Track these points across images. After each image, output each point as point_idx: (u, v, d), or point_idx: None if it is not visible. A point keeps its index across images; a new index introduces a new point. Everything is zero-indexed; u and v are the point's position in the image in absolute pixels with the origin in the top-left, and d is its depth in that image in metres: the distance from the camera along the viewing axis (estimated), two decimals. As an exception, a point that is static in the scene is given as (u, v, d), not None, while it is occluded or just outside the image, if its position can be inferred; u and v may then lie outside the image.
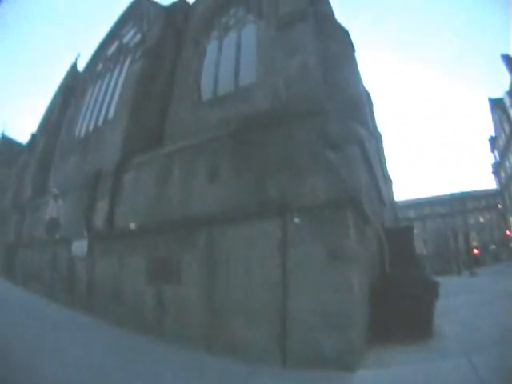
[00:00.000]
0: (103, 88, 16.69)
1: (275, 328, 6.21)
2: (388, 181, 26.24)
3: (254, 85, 10.79)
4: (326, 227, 6.30)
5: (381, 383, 5.14)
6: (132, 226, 9.48)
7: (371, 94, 23.63)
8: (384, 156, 26.55)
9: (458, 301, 12.08)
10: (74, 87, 19.79)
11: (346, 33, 12.61)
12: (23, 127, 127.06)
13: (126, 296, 8.61)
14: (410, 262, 9.73)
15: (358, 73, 13.23)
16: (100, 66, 18.41)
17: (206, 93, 12.21)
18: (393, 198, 29.63)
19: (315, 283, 6.12)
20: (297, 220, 6.66)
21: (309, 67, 9.38)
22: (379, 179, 12.11)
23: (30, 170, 18.58)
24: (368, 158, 9.38)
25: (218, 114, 10.85)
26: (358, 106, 10.32)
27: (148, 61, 13.54)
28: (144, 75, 13.17)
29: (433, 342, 6.97)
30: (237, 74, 11.66)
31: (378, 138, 23.08)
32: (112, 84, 16.09)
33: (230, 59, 12.28)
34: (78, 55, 22.32)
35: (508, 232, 64.44)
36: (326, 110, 7.85)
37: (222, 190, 8.40)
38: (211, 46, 13.39)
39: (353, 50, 13.05)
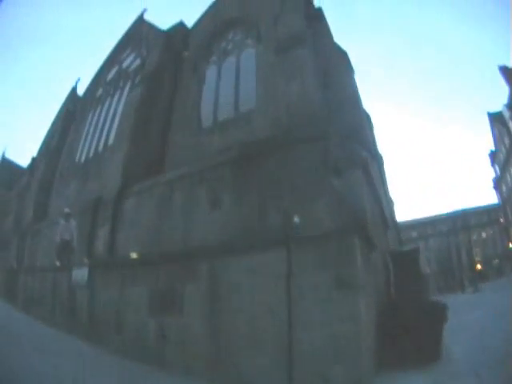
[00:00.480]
0: (103, 113, 16.67)
1: (281, 358, 6.01)
2: (390, 202, 26.09)
3: (254, 111, 10.73)
4: (331, 255, 6.14)
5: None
6: (133, 255, 9.31)
7: (371, 116, 23.55)
8: (385, 177, 26.47)
9: (463, 319, 11.85)
10: (74, 112, 19.70)
11: (344, 54, 12.63)
12: (23, 150, 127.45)
13: (128, 326, 8.41)
14: (416, 286, 9.52)
15: (358, 94, 13.19)
16: (100, 90, 18.41)
17: (206, 119, 12.15)
18: (395, 219, 29.50)
19: (321, 312, 5.95)
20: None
21: (309, 91, 9.33)
22: (382, 202, 11.97)
23: (30, 193, 18.52)
24: (372, 182, 9.25)
25: (219, 140, 10.80)
26: (359, 129, 10.28)
27: (147, 86, 13.49)
28: (143, 101, 13.10)
29: (442, 363, 6.85)
30: (236, 99, 11.62)
31: (379, 160, 23.01)
32: (112, 109, 16.07)
33: (230, 84, 12.27)
34: (78, 79, 22.38)
35: (511, 244, 64.19)
36: (328, 134, 7.75)
37: (223, 218, 8.30)
38: (210, 71, 13.39)
39: (352, 71, 13.04)
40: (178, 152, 11.87)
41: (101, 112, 16.95)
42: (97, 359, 7.84)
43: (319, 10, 13.11)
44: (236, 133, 10.48)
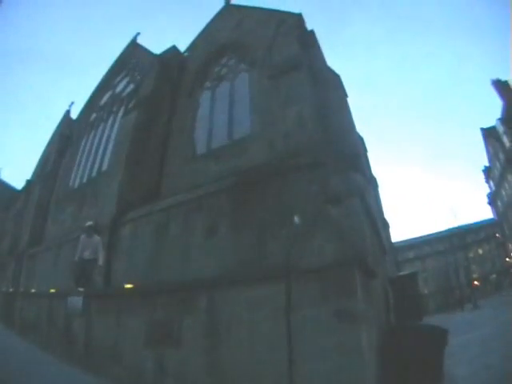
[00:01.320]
0: (97, 138, 16.52)
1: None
2: (385, 225, 26.07)
3: (249, 137, 10.62)
4: (331, 287, 6.07)
5: None
6: (128, 285, 9.15)
7: (364, 139, 23.59)
8: (380, 200, 26.49)
9: (464, 338, 11.67)
10: (68, 136, 19.57)
11: (337, 77, 12.59)
12: (17, 172, 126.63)
13: (125, 356, 8.24)
14: (416, 310, 9.43)
15: (352, 119, 13.15)
16: (93, 115, 18.26)
17: (201, 146, 12.03)
18: (391, 241, 29.43)
19: (322, 347, 5.85)
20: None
21: (305, 117, 9.27)
22: (379, 228, 11.89)
23: (27, 217, 18.31)
24: (369, 210, 9.17)
25: (214, 167, 10.68)
26: (355, 155, 10.19)
27: (142, 112, 13.36)
28: (138, 126, 12.97)
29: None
30: (230, 125, 11.53)
31: (373, 184, 23.01)
32: (106, 134, 15.91)
33: (224, 110, 12.20)
34: (72, 103, 22.32)
35: (508, 259, 64.14)
36: (325, 161, 7.67)
37: (221, 248, 8.15)
38: (204, 97, 13.32)
39: (345, 95, 13.00)
40: (173, 179, 11.73)
41: (94, 137, 16.81)
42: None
43: (311, 33, 13.09)
44: (231, 160, 10.37)
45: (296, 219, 6.61)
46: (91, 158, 16.03)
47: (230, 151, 10.89)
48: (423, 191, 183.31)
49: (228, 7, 16.77)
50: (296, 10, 13.20)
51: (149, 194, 11.49)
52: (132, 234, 10.66)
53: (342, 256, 6.36)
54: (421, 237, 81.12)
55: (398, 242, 61.69)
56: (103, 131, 16.33)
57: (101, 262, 10.19)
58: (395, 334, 7.51)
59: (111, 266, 10.70)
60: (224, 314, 6.92)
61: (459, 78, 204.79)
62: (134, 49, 18.84)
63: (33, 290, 13.48)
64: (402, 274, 14.25)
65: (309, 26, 13.22)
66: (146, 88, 14.32)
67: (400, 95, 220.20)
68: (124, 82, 17.54)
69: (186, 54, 16.12)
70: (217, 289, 7.25)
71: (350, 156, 8.90)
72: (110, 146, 14.69)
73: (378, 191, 24.89)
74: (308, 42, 12.31)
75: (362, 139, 22.04)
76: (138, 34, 19.76)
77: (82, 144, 17.55)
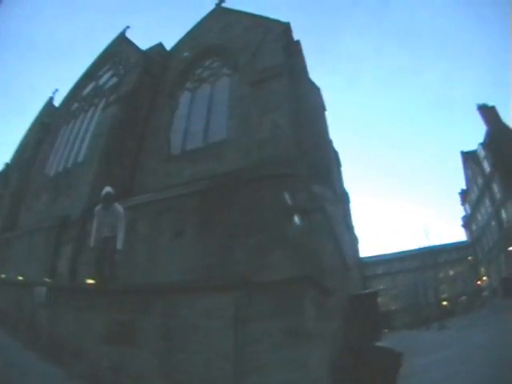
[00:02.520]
0: (76, 129, 16.21)
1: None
2: (354, 240, 26.08)
3: (225, 142, 10.53)
4: (283, 304, 6.00)
5: None
6: (89, 281, 8.93)
7: (338, 153, 23.47)
8: (351, 215, 26.46)
9: (427, 360, 11.33)
10: (49, 124, 19.11)
11: (317, 90, 12.52)
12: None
13: (86, 352, 8.03)
14: (374, 330, 9.30)
15: (327, 132, 13.11)
16: (75, 105, 17.88)
17: (176, 147, 11.89)
18: (359, 256, 29.43)
19: (273, 359, 5.79)
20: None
21: (280, 127, 9.17)
22: (345, 242, 11.84)
23: (2, 202, 17.76)
24: (332, 226, 9.10)
25: (188, 169, 10.57)
26: (326, 169, 10.12)
27: (121, 107, 13.11)
28: (116, 121, 12.73)
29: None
30: (207, 129, 11.46)
31: (344, 198, 22.97)
32: (85, 126, 15.61)
33: (202, 113, 12.09)
34: (56, 90, 21.80)
35: (479, 282, 64.71)
36: (295, 173, 7.57)
37: (186, 253, 8.06)
38: (184, 98, 13.18)
39: (324, 108, 12.94)
40: (147, 177, 11.55)
41: (74, 127, 16.49)
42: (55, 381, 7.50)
43: (297, 43, 13.00)
44: (205, 163, 10.27)
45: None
46: (68, 148, 15.72)
47: (204, 155, 10.79)
48: (398, 209, 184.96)
49: (218, 9, 16.62)
50: (286, 20, 13.13)
51: (122, 190, 11.21)
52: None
53: (296, 272, 6.29)
54: (392, 253, 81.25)
55: (368, 257, 61.68)
56: (82, 122, 16.05)
57: (120, 244, 8.17)
58: (349, 355, 7.40)
59: (78, 259, 10.44)
60: (180, 319, 6.80)
61: (445, 99, 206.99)
62: (121, 42, 18.52)
63: (3, 276, 13.11)
64: (361, 292, 14.07)
65: (298, 37, 13.16)
66: (128, 83, 14.06)
67: (386, 111, 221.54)
68: (108, 75, 17.27)
69: (171, 52, 15.88)
70: (175, 293, 7.12)
71: (321, 169, 8.85)
72: (88, 138, 14.40)
73: (348, 206, 24.86)
74: (293, 51, 12.25)
75: (336, 153, 21.95)
76: (128, 27, 19.42)
77: (61, 133, 17.19)
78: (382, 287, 70.69)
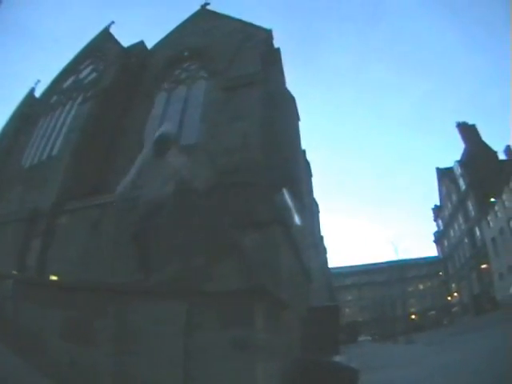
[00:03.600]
0: (53, 122, 15.78)
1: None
2: (322, 251, 25.90)
3: (195, 146, 10.25)
4: (231, 315, 5.82)
5: None
6: (53, 277, 8.69)
7: (310, 163, 23.26)
8: (319, 226, 26.26)
9: (391, 376, 10.75)
10: (29, 115, 18.58)
11: (292, 100, 12.33)
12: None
13: (47, 347, 7.76)
14: (333, 344, 9.00)
15: (300, 143, 12.94)
16: (54, 98, 17.40)
17: (148, 147, 11.48)
18: (327, 267, 29.23)
19: (219, 371, 5.62)
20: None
21: (250, 135, 9.01)
22: (310, 253, 11.70)
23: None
24: (292, 237, 8.91)
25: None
26: (295, 180, 9.95)
27: (98, 103, 12.85)
28: (91, 117, 12.48)
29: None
30: (179, 131, 11.10)
31: (313, 209, 22.82)
32: (62, 120, 15.21)
33: (176, 115, 11.76)
34: (38, 81, 21.20)
35: (449, 298, 65.07)
36: (259, 183, 7.38)
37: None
38: (160, 98, 12.87)
39: (297, 118, 12.75)
40: (117, 176, 11.17)
41: (51, 120, 16.06)
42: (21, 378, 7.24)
43: (277, 51, 12.79)
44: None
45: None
46: (44, 141, 15.30)
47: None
48: (369, 222, 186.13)
49: (203, 12, 16.25)
50: (271, 26, 12.89)
51: (92, 188, 10.96)
52: (69, 224, 10.17)
53: (246, 283, 6.12)
54: (361, 265, 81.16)
55: (337, 268, 61.55)
56: (60, 116, 15.62)
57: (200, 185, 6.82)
58: (303, 369, 7.16)
59: (46, 253, 10.14)
60: (131, 322, 6.57)
61: (424, 116, 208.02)
62: (104, 37, 18.06)
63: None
64: (321, 305, 13.76)
65: (282, 45, 12.98)
66: (106, 80, 13.79)
67: (363, 126, 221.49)
68: (88, 70, 16.84)
69: (152, 52, 15.54)
70: (127, 296, 6.89)
71: (288, 180, 8.69)
72: (63, 132, 14.01)
73: (317, 216, 24.74)
74: (271, 60, 12.04)
75: (308, 164, 21.77)
76: (112, 22, 18.93)
77: (39, 125, 16.72)
78: (349, 298, 71.18)
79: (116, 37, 17.79)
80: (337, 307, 13.37)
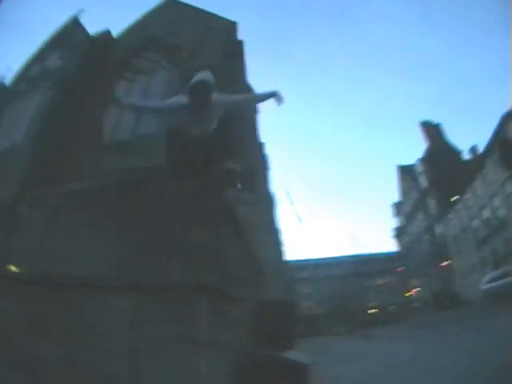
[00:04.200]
0: (18, 110, 15.20)
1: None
2: (279, 244, 25.74)
3: (153, 137, 10.01)
4: (177, 309, 5.72)
5: None
6: (9, 268, 8.44)
7: (268, 157, 22.88)
8: (276, 219, 26.03)
9: (346, 371, 10.54)
10: (-1, 101, 18.00)
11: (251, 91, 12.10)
12: None
13: (12, 340, 7.60)
14: (287, 338, 8.75)
15: (257, 136, 12.77)
16: (22, 85, 16.80)
17: (107, 137, 11.29)
18: (283, 260, 29.03)
19: (165, 365, 5.52)
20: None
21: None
22: (264, 246, 11.60)
23: None
24: (242, 231, 8.79)
25: (115, 160, 9.99)
26: (249, 173, 9.79)
27: (60, 91, 12.47)
28: (53, 105, 12.09)
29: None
30: (138, 121, 10.86)
31: (270, 202, 22.60)
32: (27, 108, 14.67)
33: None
34: (8, 68, 20.43)
35: (409, 293, 65.79)
36: (213, 177, 7.21)
37: (99, 248, 7.57)
38: (120, 87, 12.47)
39: (255, 111, 12.55)
40: (76, 166, 10.92)
41: (17, 108, 15.46)
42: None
43: (240, 44, 12.56)
44: (132, 156, 9.75)
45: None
46: (9, 129, 14.74)
47: (132, 146, 10.28)
48: (329, 216, 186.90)
49: (168, 1, 15.74)
50: (240, 19, 12.68)
51: (51, 177, 10.61)
52: (29, 214, 9.85)
53: (192, 277, 6.00)
54: (319, 258, 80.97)
55: (295, 261, 61.21)
56: (25, 105, 15.05)
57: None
58: (251, 364, 6.93)
59: (6, 243, 9.84)
60: (83, 315, 6.45)
61: (387, 114, 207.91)
62: (72, 24, 17.41)
63: None
64: (275, 299, 13.47)
65: (250, 38, 12.75)
66: (69, 68, 13.31)
67: (326, 121, 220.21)
68: (55, 57, 16.21)
69: (116, 40, 15.10)
70: (81, 289, 6.73)
71: (242, 173, 8.54)
72: (26, 120, 13.57)
73: (274, 209, 24.54)
74: (234, 52, 11.83)
75: (265, 157, 21.45)
76: (81, 10, 18.20)
77: (6, 113, 16.09)
78: (308, 291, 71.19)
79: (87, 25, 17.45)
80: (291, 301, 13.14)
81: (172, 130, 6.27)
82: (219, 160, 6.29)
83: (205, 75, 5.67)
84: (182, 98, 5.82)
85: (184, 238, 6.49)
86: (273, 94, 5.88)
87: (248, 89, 12.26)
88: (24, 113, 14.74)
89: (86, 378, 6.05)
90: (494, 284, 30.46)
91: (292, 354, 6.47)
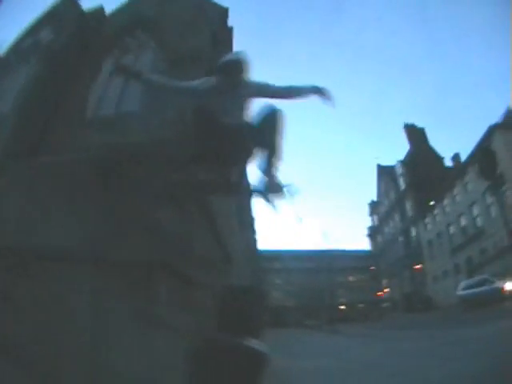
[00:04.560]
0: (8, 81, 14.92)
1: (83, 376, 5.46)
2: (251, 233, 25.41)
3: (136, 115, 9.88)
4: (137, 288, 5.64)
5: None
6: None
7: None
8: (251, 208, 25.66)
9: (307, 365, 10.51)
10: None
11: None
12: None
13: None
14: (251, 326, 8.58)
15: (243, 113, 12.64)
16: (12, 57, 16.44)
17: (90, 113, 11.05)
18: (255, 249, 28.77)
19: (123, 343, 5.47)
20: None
21: (188, 110, 8.67)
22: (233, 234, 11.50)
23: None
24: (212, 218, 8.65)
25: (98, 137, 9.80)
26: (225, 159, 9.68)
27: (47, 64, 12.24)
28: (40, 77, 11.92)
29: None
30: (121, 98, 10.67)
31: (245, 190, 22.35)
32: (16, 79, 14.39)
33: (120, 83, 11.12)
34: (3, 40, 20.05)
35: (380, 293, 65.62)
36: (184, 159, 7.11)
37: (73, 221, 7.44)
38: (107, 65, 12.17)
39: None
40: (58, 140, 10.75)
41: (7, 79, 15.16)
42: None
43: (230, 30, 12.34)
44: (112, 132, 9.60)
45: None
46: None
47: (114, 123, 10.12)
48: (303, 208, 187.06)
49: (163, -20, 15.38)
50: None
51: (32, 149, 10.44)
52: (8, 186, 9.69)
53: (154, 257, 5.93)
54: (291, 250, 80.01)
55: (268, 251, 60.56)
56: (15, 75, 14.77)
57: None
58: (210, 349, 6.77)
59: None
60: (48, 287, 6.35)
61: (372, 113, 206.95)
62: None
63: None
64: (242, 286, 13.20)
65: (241, 27, 12.54)
66: (59, 42, 13.03)
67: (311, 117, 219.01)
68: (47, 31, 15.86)
69: (107, 17, 14.81)
70: (46, 261, 6.62)
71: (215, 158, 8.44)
72: (14, 91, 13.32)
73: (250, 198, 24.44)
74: (223, 37, 11.64)
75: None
76: (75, -14, 17.81)
77: (-2, 86, 15.85)
78: (278, 282, 70.78)
79: (81, 0, 17.10)
80: (260, 288, 12.84)
81: (200, 111, 5.49)
82: (242, 158, 5.80)
83: (239, 55, 5.02)
84: (209, 80, 5.22)
85: (152, 217, 6.41)
86: (319, 90, 5.07)
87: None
88: (13, 85, 14.52)
89: (47, 351, 6.01)
90: (470, 291, 30.68)
91: (253, 342, 6.35)
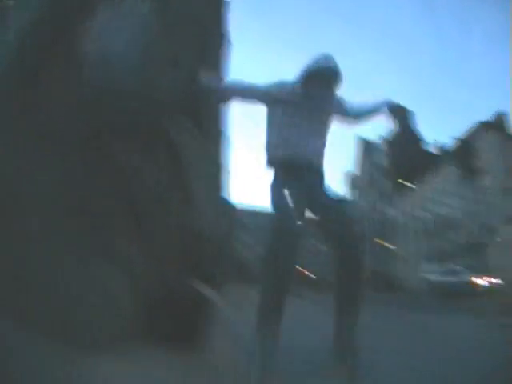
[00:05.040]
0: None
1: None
2: (222, 183, 25.08)
3: (129, 59, 9.74)
4: (96, 224, 5.70)
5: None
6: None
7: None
8: (227, 159, 25.26)
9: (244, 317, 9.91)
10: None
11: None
12: None
13: None
14: (208, 275, 8.27)
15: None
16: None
17: (84, 56, 10.90)
18: (224, 200, 28.27)
19: (76, 274, 5.49)
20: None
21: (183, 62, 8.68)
22: (206, 182, 11.60)
23: None
24: (180, 163, 8.68)
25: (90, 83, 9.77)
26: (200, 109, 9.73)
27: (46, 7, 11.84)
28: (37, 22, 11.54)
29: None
30: (117, 44, 10.48)
31: (221, 140, 22.19)
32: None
33: (112, 32, 11.00)
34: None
35: None
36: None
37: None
38: (105, 13, 11.97)
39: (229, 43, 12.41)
40: (52, 79, 10.61)
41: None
42: None
43: (227, 3, 12.21)
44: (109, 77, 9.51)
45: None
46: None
47: (109, 68, 10.00)
48: None
49: None
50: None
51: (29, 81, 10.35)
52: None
53: (115, 200, 6.00)
54: (264, 207, 75.82)
55: (238, 204, 56.82)
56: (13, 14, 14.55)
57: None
58: (163, 292, 6.16)
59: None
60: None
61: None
62: None
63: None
64: (206, 233, 12.63)
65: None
66: None
67: None
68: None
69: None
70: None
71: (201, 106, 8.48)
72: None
73: (226, 150, 24.14)
74: (218, 7, 11.50)
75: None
76: None
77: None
78: (246, 238, 68.51)
79: None
80: (225, 239, 12.13)
81: None
82: None
83: (333, 62, 3.55)
84: (287, 85, 3.76)
85: (118, 160, 6.49)
86: (392, 107, 3.78)
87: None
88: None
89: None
90: (440, 278, 29.73)
91: (206, 290, 6.28)
